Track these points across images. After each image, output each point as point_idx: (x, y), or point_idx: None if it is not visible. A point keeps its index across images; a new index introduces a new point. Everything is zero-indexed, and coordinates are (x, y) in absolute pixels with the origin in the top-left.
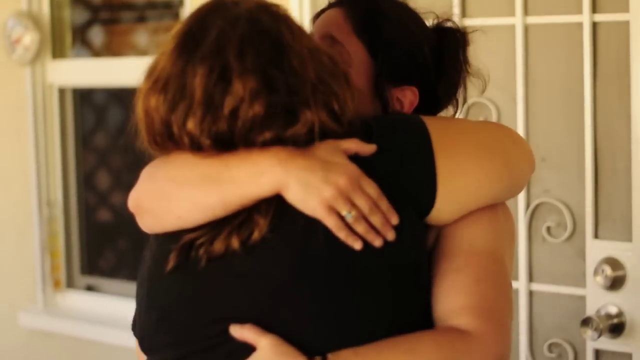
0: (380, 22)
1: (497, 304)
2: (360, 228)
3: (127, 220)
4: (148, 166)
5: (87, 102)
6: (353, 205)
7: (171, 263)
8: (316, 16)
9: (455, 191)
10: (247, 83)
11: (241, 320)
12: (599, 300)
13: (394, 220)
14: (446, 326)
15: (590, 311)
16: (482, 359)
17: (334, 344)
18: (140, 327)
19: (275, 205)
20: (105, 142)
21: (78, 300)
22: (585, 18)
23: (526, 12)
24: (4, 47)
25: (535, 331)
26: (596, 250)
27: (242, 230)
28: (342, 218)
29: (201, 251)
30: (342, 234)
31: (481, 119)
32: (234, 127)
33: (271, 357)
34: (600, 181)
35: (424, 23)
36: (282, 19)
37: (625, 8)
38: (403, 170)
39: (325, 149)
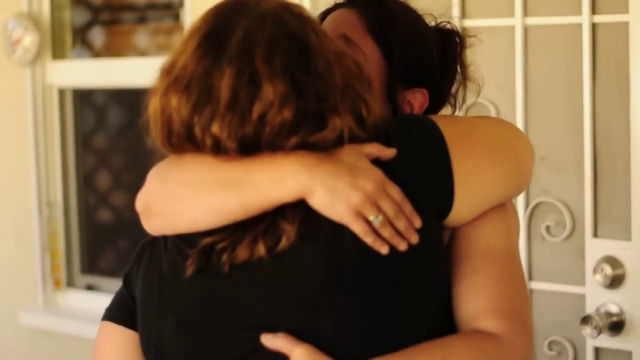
0: (394, 24)
1: (519, 303)
2: (387, 232)
3: (127, 220)
4: (156, 167)
5: (87, 102)
6: (379, 210)
7: (191, 268)
8: (323, 15)
9: (472, 192)
10: (277, 87)
11: (272, 329)
12: (598, 298)
13: (417, 223)
14: (473, 329)
15: (589, 309)
16: None
17: (367, 351)
18: (148, 332)
19: (300, 212)
20: (105, 143)
21: (78, 299)
22: (584, 19)
23: (526, 13)
24: (4, 48)
25: (536, 329)
26: (595, 249)
27: (267, 236)
28: (369, 223)
29: (224, 257)
30: (369, 239)
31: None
32: (261, 132)
33: None
34: (600, 180)
35: (428, 25)
36: (306, 20)
37: (624, 9)
38: (421, 173)
39: (349, 154)
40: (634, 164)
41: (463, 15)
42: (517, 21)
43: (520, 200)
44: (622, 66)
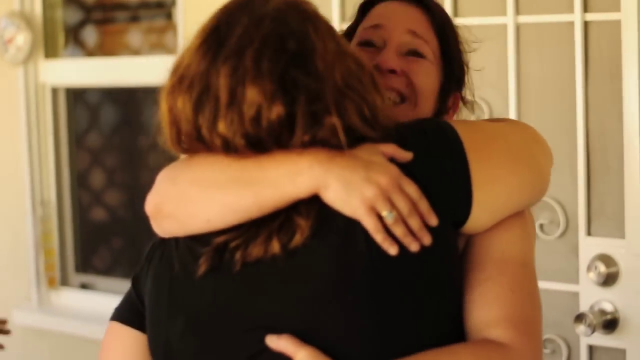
0: (451, 26)
1: (531, 314)
2: (399, 231)
3: (121, 218)
4: (166, 169)
5: (80, 101)
6: (393, 205)
7: (203, 267)
8: (367, 5)
9: (490, 199)
10: (262, 87)
11: (279, 329)
12: (592, 296)
13: (434, 221)
14: (482, 338)
15: (583, 307)
16: None
17: (374, 355)
18: (157, 332)
19: (315, 208)
20: (98, 142)
21: (72, 298)
22: (576, 17)
23: (518, 11)
24: None
25: None
26: (589, 247)
27: (282, 233)
28: (381, 220)
29: (237, 255)
30: (379, 237)
31: (472, 117)
32: (260, 131)
33: None
34: (593, 179)
35: None
36: (310, 18)
37: (616, 7)
38: (439, 179)
39: (364, 150)
40: (627, 162)
41: (455, 13)
42: (509, 19)
43: None
44: (615, 64)
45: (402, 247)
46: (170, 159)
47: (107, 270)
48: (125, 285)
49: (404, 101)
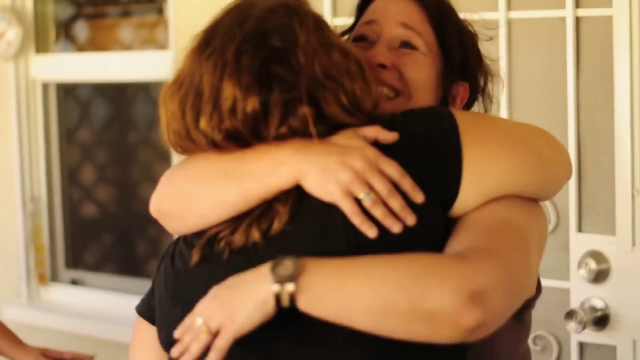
0: (450, 17)
1: (507, 254)
2: (379, 212)
3: (111, 214)
4: (168, 170)
5: (71, 97)
6: (371, 188)
7: (195, 257)
8: (365, 2)
9: (480, 177)
10: (237, 81)
11: None
12: (583, 293)
13: (419, 198)
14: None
15: (574, 304)
16: (468, 280)
17: (354, 339)
18: (162, 322)
19: (293, 194)
20: (89, 137)
21: (62, 293)
22: (568, 13)
23: (509, 6)
24: None
25: None
26: (580, 243)
27: (261, 220)
28: (359, 203)
29: (222, 243)
30: (357, 220)
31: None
32: (237, 125)
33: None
34: (584, 175)
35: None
36: (297, 14)
37: (608, 3)
38: (427, 155)
39: (343, 136)
40: (618, 158)
41: None
42: (500, 15)
43: None
44: (606, 60)
45: (384, 229)
46: (162, 155)
47: (98, 266)
48: (115, 281)
49: (399, 95)
